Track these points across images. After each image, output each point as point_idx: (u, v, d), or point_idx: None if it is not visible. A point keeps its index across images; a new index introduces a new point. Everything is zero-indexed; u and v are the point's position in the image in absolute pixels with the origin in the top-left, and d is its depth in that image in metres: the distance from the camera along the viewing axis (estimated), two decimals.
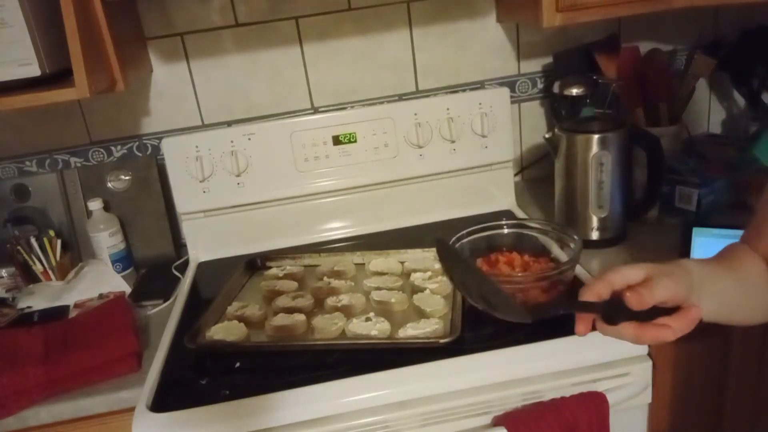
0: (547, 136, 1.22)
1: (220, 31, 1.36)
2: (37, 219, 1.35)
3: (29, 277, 1.27)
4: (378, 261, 1.20)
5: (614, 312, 0.62)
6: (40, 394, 0.93)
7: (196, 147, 1.30)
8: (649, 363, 0.89)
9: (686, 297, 0.62)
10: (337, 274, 1.16)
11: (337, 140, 1.33)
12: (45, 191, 1.35)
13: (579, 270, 1.05)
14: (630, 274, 0.63)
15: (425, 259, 1.19)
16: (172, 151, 1.30)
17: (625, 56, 1.33)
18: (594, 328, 0.65)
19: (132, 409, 0.86)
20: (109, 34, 1.05)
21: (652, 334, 0.62)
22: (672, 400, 1.12)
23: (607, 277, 0.63)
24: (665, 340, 0.63)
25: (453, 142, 1.36)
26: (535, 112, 1.53)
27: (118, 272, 1.30)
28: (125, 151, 1.41)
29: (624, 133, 1.15)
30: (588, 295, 0.63)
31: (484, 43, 1.45)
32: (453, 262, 0.76)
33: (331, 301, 1.06)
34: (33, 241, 1.26)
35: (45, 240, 1.27)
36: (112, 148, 1.41)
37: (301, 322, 1.00)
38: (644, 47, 1.40)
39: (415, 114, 1.35)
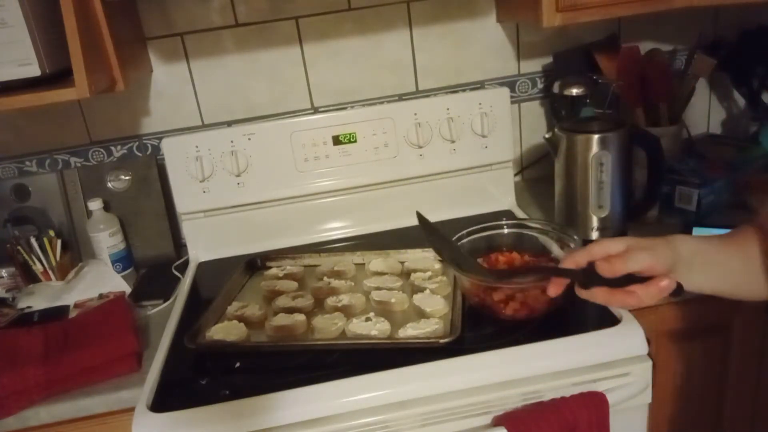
0: (547, 136, 1.22)
1: (220, 31, 1.36)
2: (37, 219, 1.35)
3: (29, 277, 1.27)
4: (378, 261, 1.20)
5: (589, 278, 0.70)
6: (40, 394, 0.93)
7: (196, 147, 1.30)
8: (649, 363, 0.89)
9: (665, 269, 0.68)
10: (337, 274, 1.16)
11: (337, 140, 1.33)
12: (45, 191, 1.35)
13: None
14: (611, 246, 0.70)
15: (425, 259, 1.19)
16: (172, 151, 1.30)
17: (625, 56, 1.33)
18: (568, 291, 0.74)
19: (132, 409, 0.86)
20: (109, 34, 1.05)
21: (619, 299, 0.69)
22: (672, 400, 1.12)
23: (589, 247, 0.71)
24: (631, 306, 0.70)
25: (453, 142, 1.36)
26: (535, 112, 1.53)
27: (118, 272, 1.30)
28: (125, 151, 1.41)
29: (624, 133, 1.15)
30: (567, 263, 0.72)
31: (484, 43, 1.45)
32: (431, 233, 0.88)
33: (331, 301, 1.06)
34: (33, 241, 1.26)
35: (45, 240, 1.27)
36: (112, 148, 1.41)
37: (301, 322, 1.00)
38: (644, 47, 1.40)
39: (415, 114, 1.35)
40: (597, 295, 0.70)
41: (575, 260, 0.71)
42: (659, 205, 1.24)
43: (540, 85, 1.51)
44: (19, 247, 1.26)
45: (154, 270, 1.35)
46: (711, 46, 1.40)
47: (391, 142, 1.35)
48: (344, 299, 1.06)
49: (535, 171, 1.58)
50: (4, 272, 1.28)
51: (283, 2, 1.36)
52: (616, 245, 0.69)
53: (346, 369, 0.88)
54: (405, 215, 1.38)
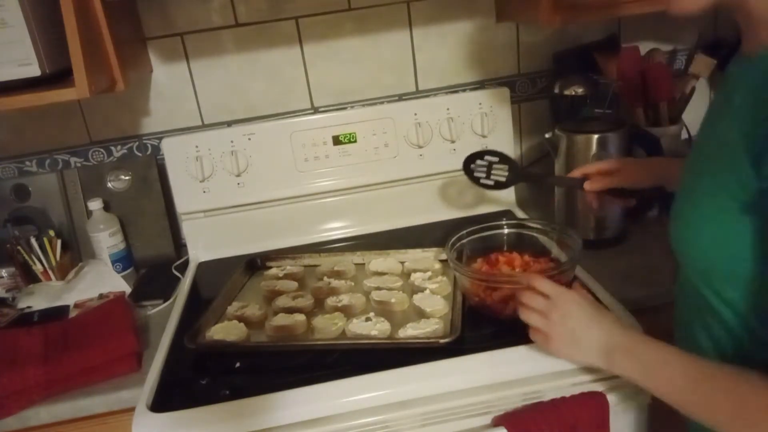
0: (547, 136, 1.22)
1: (220, 31, 1.36)
2: (37, 219, 1.35)
3: (29, 277, 1.27)
4: (378, 261, 1.20)
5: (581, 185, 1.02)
6: (40, 394, 0.93)
7: (196, 147, 1.30)
8: None
9: (639, 186, 0.99)
10: (337, 274, 1.16)
11: (337, 140, 1.33)
12: (45, 191, 1.35)
13: (579, 270, 1.05)
14: (611, 164, 1.00)
15: (425, 259, 1.19)
16: (172, 151, 1.30)
17: (625, 56, 1.33)
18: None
19: (132, 409, 0.86)
20: (109, 34, 1.05)
21: (589, 199, 1.02)
22: None
23: (597, 164, 1.02)
24: (590, 201, 1.03)
25: (453, 142, 1.36)
26: (535, 112, 1.53)
27: (118, 272, 1.30)
28: (125, 151, 1.41)
29: (624, 133, 1.15)
30: (575, 173, 1.03)
31: (484, 43, 1.45)
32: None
33: (331, 301, 1.06)
34: (33, 241, 1.26)
35: (45, 240, 1.27)
36: (112, 148, 1.41)
37: (301, 322, 1.00)
38: (644, 47, 1.40)
39: (415, 114, 1.35)
40: (584, 194, 1.02)
41: (583, 170, 1.02)
42: (659, 205, 1.24)
43: (540, 85, 1.51)
44: (19, 247, 1.26)
45: (154, 270, 1.35)
46: (711, 46, 1.40)
47: (391, 142, 1.35)
48: (344, 299, 1.06)
49: (535, 171, 1.57)
50: (4, 272, 1.28)
51: (283, 2, 1.36)
52: (610, 164, 1.00)
53: (346, 369, 0.88)
54: (405, 215, 1.39)
